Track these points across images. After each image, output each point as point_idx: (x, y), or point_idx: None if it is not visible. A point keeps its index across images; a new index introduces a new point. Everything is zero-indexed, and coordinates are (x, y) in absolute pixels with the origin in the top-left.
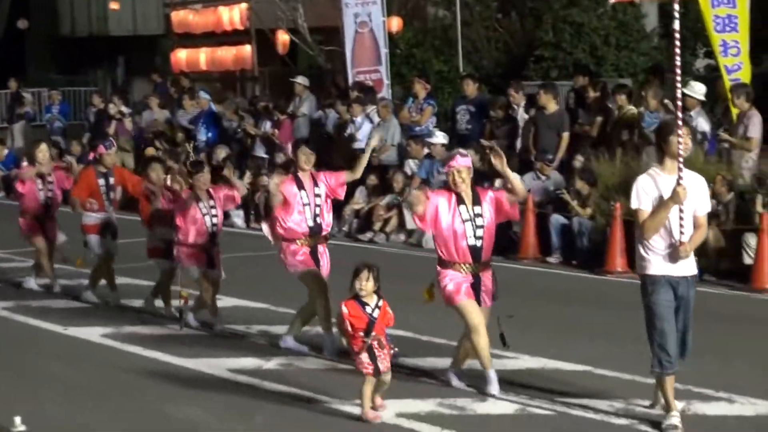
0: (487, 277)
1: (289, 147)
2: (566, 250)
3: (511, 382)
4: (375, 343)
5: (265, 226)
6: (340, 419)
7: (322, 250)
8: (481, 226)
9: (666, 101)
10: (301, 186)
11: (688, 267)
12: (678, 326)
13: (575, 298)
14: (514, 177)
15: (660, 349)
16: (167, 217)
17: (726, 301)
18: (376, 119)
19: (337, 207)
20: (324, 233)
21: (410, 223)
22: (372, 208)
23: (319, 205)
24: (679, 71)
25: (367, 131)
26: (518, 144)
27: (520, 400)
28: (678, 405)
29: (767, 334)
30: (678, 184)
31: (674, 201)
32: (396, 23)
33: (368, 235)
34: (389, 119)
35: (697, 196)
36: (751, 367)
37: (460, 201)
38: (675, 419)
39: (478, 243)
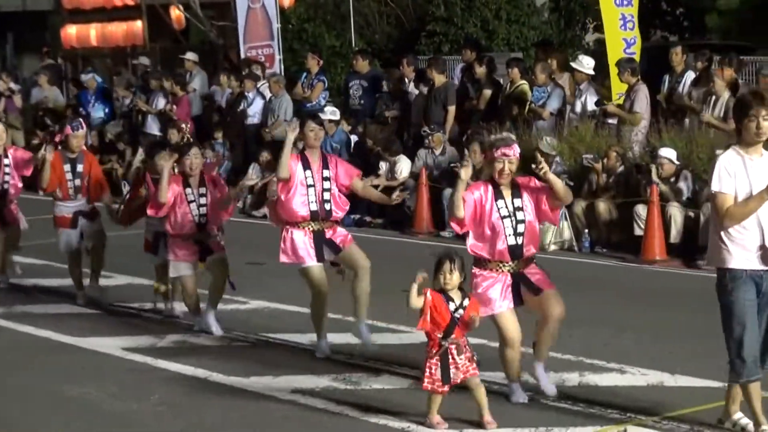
0: (529, 270)
1: (295, 122)
2: None
3: (405, 356)
4: (453, 347)
5: (267, 210)
6: (236, 396)
7: (332, 233)
8: (522, 221)
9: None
10: (307, 165)
11: None
12: (763, 326)
13: (469, 272)
14: (555, 181)
15: (737, 356)
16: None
17: (617, 273)
18: (268, 94)
19: None
20: (333, 218)
21: None
22: (265, 183)
23: (327, 189)
24: None
25: (258, 107)
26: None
27: (415, 374)
28: None
29: (657, 304)
30: None
31: None
32: None
33: (263, 210)
34: (281, 94)
35: None
36: (641, 338)
37: (498, 195)
38: None
39: (519, 240)
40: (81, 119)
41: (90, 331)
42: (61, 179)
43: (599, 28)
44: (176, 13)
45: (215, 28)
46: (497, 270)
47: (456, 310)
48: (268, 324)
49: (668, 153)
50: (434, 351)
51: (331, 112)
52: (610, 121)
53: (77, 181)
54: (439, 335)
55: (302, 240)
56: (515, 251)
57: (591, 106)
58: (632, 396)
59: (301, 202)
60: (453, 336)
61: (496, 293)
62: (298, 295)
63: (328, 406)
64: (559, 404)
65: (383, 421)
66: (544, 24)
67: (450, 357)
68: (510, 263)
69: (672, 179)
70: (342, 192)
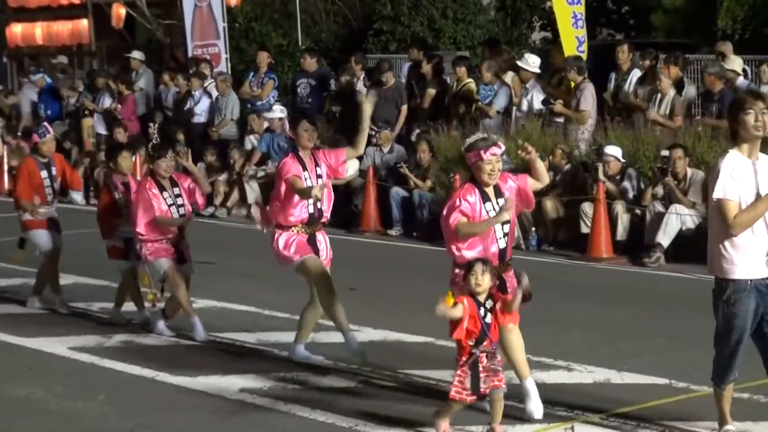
0: (510, 278)
1: (286, 122)
2: (407, 222)
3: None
4: (484, 356)
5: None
6: (183, 396)
7: (321, 238)
8: (507, 222)
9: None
10: (304, 167)
11: None
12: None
13: (416, 271)
14: (539, 162)
15: (725, 364)
16: (126, 211)
17: (564, 271)
18: (215, 93)
19: None
20: (323, 219)
21: (251, 198)
22: (212, 183)
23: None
24: None
25: (205, 106)
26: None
27: (363, 372)
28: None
29: (604, 302)
30: None
31: None
32: None
33: (209, 210)
34: (228, 93)
35: None
36: (587, 336)
37: (485, 197)
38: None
39: (505, 242)
40: (46, 124)
41: (36, 331)
42: (38, 187)
43: (545, 26)
44: (118, 11)
45: (162, 27)
46: None
47: (485, 315)
48: (215, 323)
49: (614, 151)
50: (464, 359)
51: (279, 110)
52: (556, 119)
53: (55, 185)
54: (471, 343)
55: (296, 241)
56: (502, 254)
57: (537, 105)
58: (579, 393)
59: (301, 205)
60: (485, 344)
61: None
62: (246, 295)
63: (276, 405)
64: (505, 401)
65: (331, 420)
66: (491, 23)
67: (480, 366)
68: (497, 266)
69: (618, 177)
70: (340, 174)
